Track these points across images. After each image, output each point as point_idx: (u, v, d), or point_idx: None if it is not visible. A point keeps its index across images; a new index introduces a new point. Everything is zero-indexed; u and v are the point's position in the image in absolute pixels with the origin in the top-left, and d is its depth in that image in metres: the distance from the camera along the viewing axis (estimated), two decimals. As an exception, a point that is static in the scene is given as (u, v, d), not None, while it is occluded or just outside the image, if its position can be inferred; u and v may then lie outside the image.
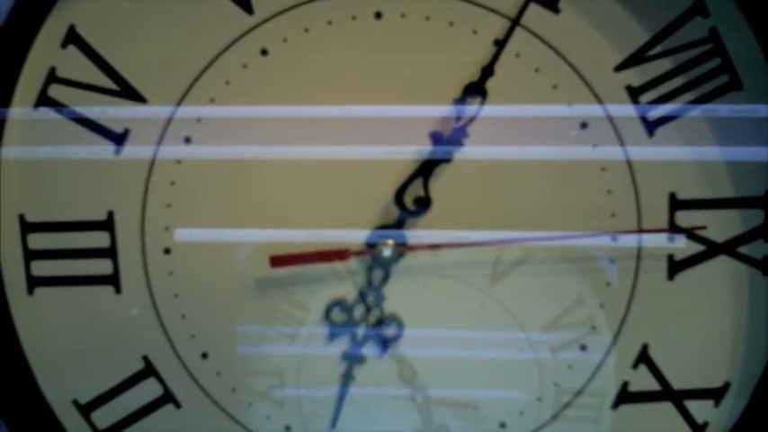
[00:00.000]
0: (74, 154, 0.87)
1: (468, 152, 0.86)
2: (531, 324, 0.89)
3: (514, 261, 0.88)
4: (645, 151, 0.86)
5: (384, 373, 0.91)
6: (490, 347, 0.89)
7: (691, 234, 0.87)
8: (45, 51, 0.85)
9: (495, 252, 0.88)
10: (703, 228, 0.86)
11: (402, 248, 0.87)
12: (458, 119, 0.85)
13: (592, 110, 0.85)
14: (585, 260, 0.88)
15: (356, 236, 0.87)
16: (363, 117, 0.86)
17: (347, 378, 0.91)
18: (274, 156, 0.87)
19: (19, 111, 0.86)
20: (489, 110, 0.85)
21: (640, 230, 0.86)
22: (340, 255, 0.86)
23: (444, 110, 0.85)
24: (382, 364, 0.91)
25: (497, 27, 0.84)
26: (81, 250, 0.89)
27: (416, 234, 0.88)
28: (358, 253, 0.87)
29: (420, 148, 0.86)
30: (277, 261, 0.86)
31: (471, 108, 0.85)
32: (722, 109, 0.85)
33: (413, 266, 0.89)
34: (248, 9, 0.85)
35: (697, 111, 0.85)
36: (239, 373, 0.92)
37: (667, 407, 0.90)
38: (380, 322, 0.90)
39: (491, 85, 0.84)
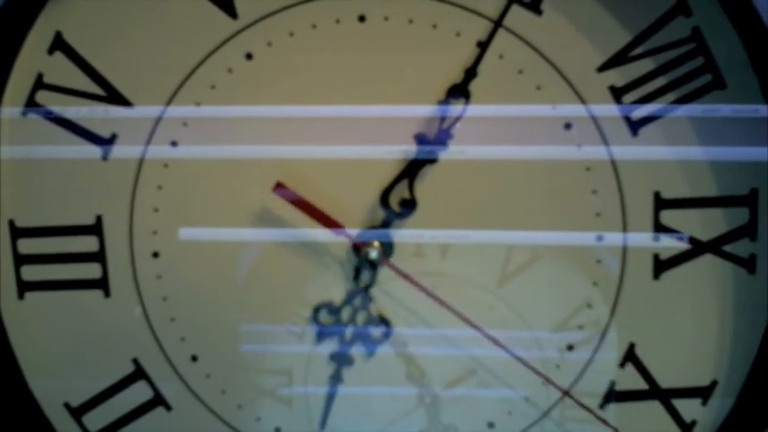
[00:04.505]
0: (62, 159, 0.88)
1: (452, 153, 0.86)
2: (533, 324, 0.90)
3: (523, 263, 0.89)
4: (629, 151, 0.86)
5: (390, 372, 0.91)
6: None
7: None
8: (32, 58, 0.86)
9: (504, 252, 0.89)
10: None
11: (385, 262, 0.88)
12: (442, 120, 0.85)
13: (575, 110, 0.86)
14: (571, 260, 0.88)
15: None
16: (347, 119, 0.86)
17: (337, 379, 0.91)
18: (261, 158, 0.88)
19: (6, 118, 0.86)
20: (473, 111, 0.85)
21: None
22: (336, 224, 0.87)
23: (428, 112, 0.85)
24: (387, 363, 0.91)
25: (480, 29, 0.84)
26: (70, 254, 0.89)
27: (403, 233, 0.88)
28: (351, 237, 0.88)
29: (405, 151, 0.86)
30: (280, 188, 0.86)
31: (455, 109, 0.85)
32: (705, 108, 0.85)
33: (420, 265, 0.89)
34: (233, 13, 0.85)
35: (680, 110, 0.85)
36: (229, 376, 0.92)
37: (655, 406, 0.90)
38: (379, 321, 0.90)
39: (475, 86, 0.84)
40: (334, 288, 0.90)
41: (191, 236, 0.89)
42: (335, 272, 0.90)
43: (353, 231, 0.88)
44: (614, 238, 0.88)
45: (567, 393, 0.89)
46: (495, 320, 0.89)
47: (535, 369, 0.88)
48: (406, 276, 0.87)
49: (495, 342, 0.88)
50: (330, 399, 0.92)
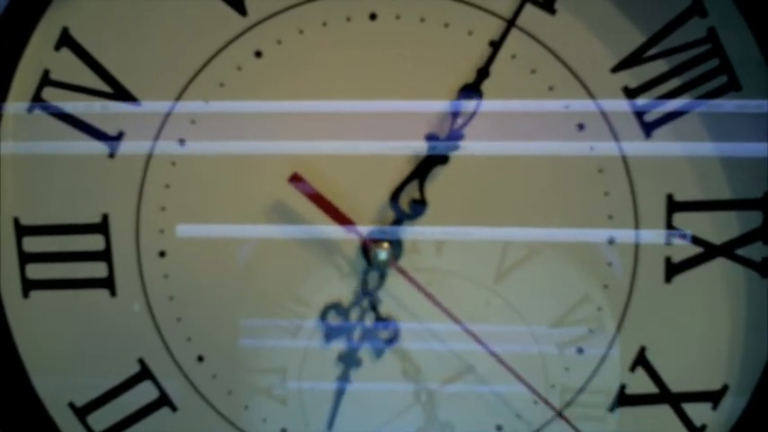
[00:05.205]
0: (68, 156, 0.87)
1: (464, 154, 0.85)
2: (533, 323, 0.89)
3: (518, 260, 0.88)
4: (642, 153, 0.85)
5: (388, 370, 0.91)
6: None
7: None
8: (38, 54, 0.85)
9: (500, 249, 0.88)
10: None
11: (393, 264, 0.87)
12: (453, 120, 0.84)
13: (588, 111, 0.85)
14: (582, 262, 0.88)
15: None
16: (356, 119, 0.85)
17: (345, 378, 0.91)
18: (269, 157, 0.87)
19: (12, 114, 0.85)
20: (485, 112, 0.84)
21: None
22: (347, 220, 0.86)
23: (440, 111, 0.84)
24: (386, 361, 0.91)
25: (493, 28, 0.84)
26: (76, 253, 0.88)
27: (413, 230, 0.88)
28: (361, 236, 0.87)
29: (416, 151, 0.85)
30: (296, 179, 0.85)
31: (467, 109, 0.84)
32: (718, 109, 0.84)
33: (417, 262, 0.88)
34: (242, 11, 0.84)
35: (694, 112, 0.84)
36: (235, 376, 0.91)
37: (665, 410, 0.90)
38: (379, 322, 0.89)
39: (487, 86, 0.84)
40: (342, 286, 0.90)
41: (194, 233, 0.88)
42: (344, 270, 0.89)
43: (363, 229, 0.87)
44: (626, 241, 0.87)
45: (559, 414, 0.89)
46: (501, 321, 0.89)
47: (532, 387, 0.88)
48: (414, 282, 0.87)
49: (498, 356, 0.87)
50: (338, 399, 0.91)
